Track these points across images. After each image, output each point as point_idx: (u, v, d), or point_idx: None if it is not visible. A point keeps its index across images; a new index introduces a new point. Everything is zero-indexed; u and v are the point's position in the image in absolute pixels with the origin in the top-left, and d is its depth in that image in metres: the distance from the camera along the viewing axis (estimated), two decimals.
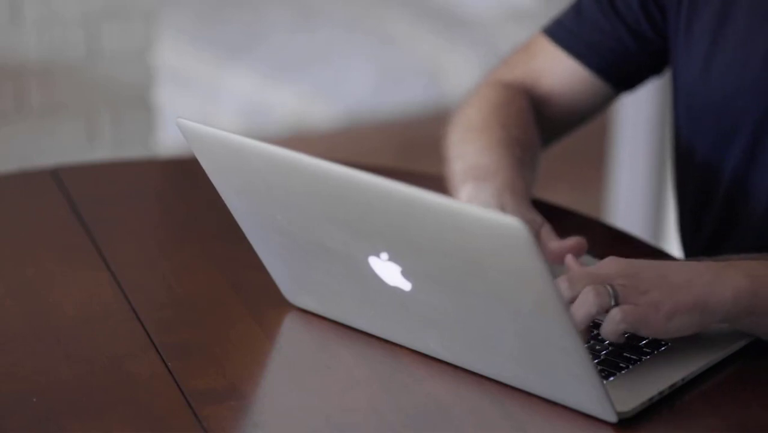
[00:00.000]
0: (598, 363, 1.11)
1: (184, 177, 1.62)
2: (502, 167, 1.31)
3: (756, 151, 1.35)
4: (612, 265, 1.12)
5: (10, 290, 1.29)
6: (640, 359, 1.12)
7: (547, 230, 1.23)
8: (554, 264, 1.20)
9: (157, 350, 1.17)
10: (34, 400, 1.09)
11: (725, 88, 1.35)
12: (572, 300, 1.09)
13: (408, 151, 3.69)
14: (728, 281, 1.12)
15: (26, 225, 1.45)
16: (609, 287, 1.09)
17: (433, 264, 1.04)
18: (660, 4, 1.41)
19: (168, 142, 2.91)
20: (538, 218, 1.24)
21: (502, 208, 1.23)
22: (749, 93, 1.34)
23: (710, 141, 1.39)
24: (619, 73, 1.46)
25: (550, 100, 1.47)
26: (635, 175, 2.97)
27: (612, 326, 1.09)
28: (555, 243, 1.21)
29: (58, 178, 1.55)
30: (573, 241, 1.21)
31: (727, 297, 1.11)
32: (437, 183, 1.36)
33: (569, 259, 1.18)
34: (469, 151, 1.36)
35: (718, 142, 1.38)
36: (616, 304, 1.09)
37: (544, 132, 1.46)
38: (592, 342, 1.13)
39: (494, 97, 1.45)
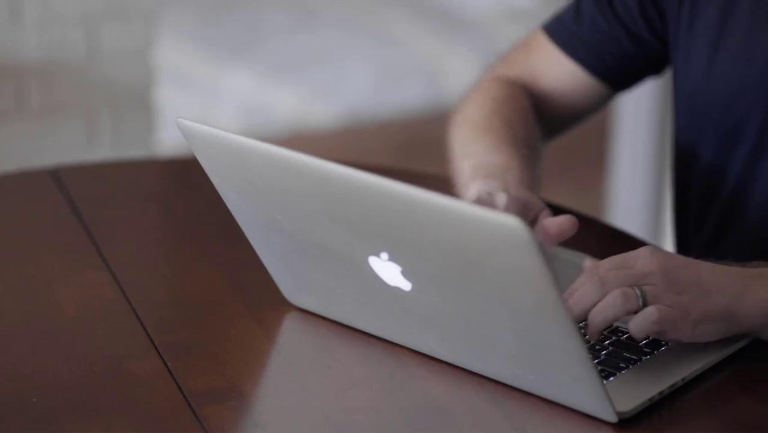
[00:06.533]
0: (598, 363, 1.11)
1: (184, 177, 1.62)
2: (511, 166, 1.30)
3: (759, 153, 1.35)
4: (648, 260, 1.10)
5: (10, 290, 1.29)
6: (640, 359, 1.11)
7: (545, 214, 1.22)
8: (547, 241, 1.18)
9: (157, 350, 1.17)
10: (34, 400, 1.09)
11: (728, 88, 1.35)
12: (601, 298, 1.08)
13: (408, 151, 3.69)
14: (758, 293, 1.11)
15: (26, 225, 1.45)
16: (637, 290, 1.09)
17: (433, 264, 1.04)
18: (659, 7, 1.41)
19: (168, 142, 2.91)
20: (538, 202, 1.23)
21: (506, 190, 1.21)
22: (753, 93, 1.34)
23: (713, 142, 1.39)
24: (618, 75, 1.46)
25: (549, 99, 1.47)
26: (635, 175, 2.97)
27: (646, 324, 1.08)
28: (548, 220, 1.19)
29: (58, 178, 1.55)
30: (563, 218, 1.18)
31: (755, 309, 1.11)
32: (437, 183, 1.36)
33: (588, 262, 1.15)
34: (476, 149, 1.35)
35: (721, 143, 1.38)
36: (644, 305, 1.08)
37: (542, 130, 1.46)
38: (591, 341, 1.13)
39: (496, 94, 1.45)
